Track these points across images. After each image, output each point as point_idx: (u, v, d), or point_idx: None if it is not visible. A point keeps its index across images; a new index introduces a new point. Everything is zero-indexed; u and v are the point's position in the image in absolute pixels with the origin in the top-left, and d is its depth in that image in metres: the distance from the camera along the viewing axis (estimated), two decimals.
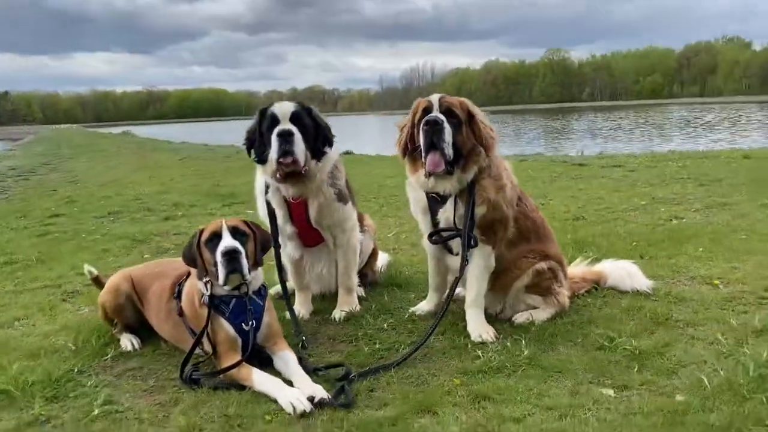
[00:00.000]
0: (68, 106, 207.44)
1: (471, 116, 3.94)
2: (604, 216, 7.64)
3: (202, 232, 3.59)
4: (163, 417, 3.13)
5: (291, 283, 4.66)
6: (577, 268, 4.85)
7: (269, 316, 3.71)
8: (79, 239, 7.91)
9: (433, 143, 3.78)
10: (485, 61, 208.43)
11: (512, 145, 28.22)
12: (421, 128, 3.82)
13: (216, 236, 3.52)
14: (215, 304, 3.57)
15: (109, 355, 3.92)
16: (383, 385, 3.38)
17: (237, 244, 3.46)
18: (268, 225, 4.30)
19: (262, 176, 4.36)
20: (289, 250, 4.52)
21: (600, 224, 7.13)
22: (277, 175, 4.12)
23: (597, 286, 4.78)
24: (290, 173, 4.10)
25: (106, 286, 4.20)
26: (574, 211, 8.03)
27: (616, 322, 4.09)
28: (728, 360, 3.42)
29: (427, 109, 3.90)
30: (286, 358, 3.58)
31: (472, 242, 3.94)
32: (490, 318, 4.22)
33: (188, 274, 3.87)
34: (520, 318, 4.17)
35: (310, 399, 3.13)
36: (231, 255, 3.42)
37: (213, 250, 3.49)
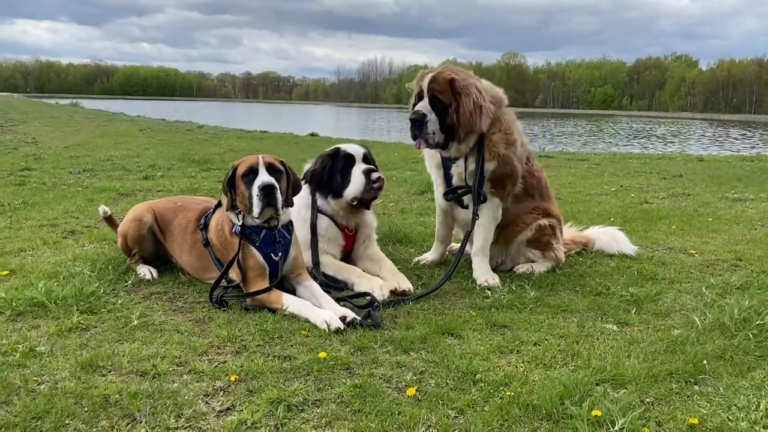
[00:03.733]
0: (8, 74, 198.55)
1: (456, 95, 4.09)
2: (578, 197, 8.07)
3: (238, 165, 3.73)
4: (200, 330, 3.28)
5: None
6: (567, 232, 5.19)
7: (295, 250, 3.89)
8: (60, 189, 7.84)
9: (416, 135, 4.16)
10: (443, 59, 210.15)
11: None
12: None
13: (252, 171, 3.67)
14: (246, 233, 3.73)
15: (129, 282, 4.03)
16: (404, 314, 3.62)
17: (273, 180, 3.62)
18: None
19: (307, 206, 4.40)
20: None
21: (577, 203, 7.54)
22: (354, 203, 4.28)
23: (585, 248, 5.14)
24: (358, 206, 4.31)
25: (128, 216, 4.29)
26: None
27: (608, 276, 4.44)
28: (714, 307, 3.78)
29: (420, 95, 4.19)
30: (312, 287, 3.78)
31: (482, 198, 4.20)
32: (492, 268, 4.51)
33: (215, 208, 4.01)
34: (521, 269, 4.47)
35: (342, 319, 3.34)
36: (267, 190, 3.59)
37: (249, 184, 3.64)
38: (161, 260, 4.31)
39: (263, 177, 3.63)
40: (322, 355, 2.91)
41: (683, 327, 3.49)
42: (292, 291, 3.81)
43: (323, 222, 4.34)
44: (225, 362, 2.89)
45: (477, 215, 4.25)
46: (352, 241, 4.47)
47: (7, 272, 4.10)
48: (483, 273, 4.26)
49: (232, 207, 3.75)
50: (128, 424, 2.32)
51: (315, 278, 4.04)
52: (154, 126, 23.61)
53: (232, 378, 2.69)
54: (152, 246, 4.25)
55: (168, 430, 2.30)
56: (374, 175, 4.17)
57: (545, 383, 2.71)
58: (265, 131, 22.31)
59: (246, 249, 3.73)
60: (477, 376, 2.79)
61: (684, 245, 5.45)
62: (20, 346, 2.94)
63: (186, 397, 2.52)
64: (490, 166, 4.21)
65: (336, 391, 2.62)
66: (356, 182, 4.20)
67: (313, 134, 21.42)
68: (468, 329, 3.38)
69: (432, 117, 4.09)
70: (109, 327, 3.25)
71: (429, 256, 4.72)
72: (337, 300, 3.73)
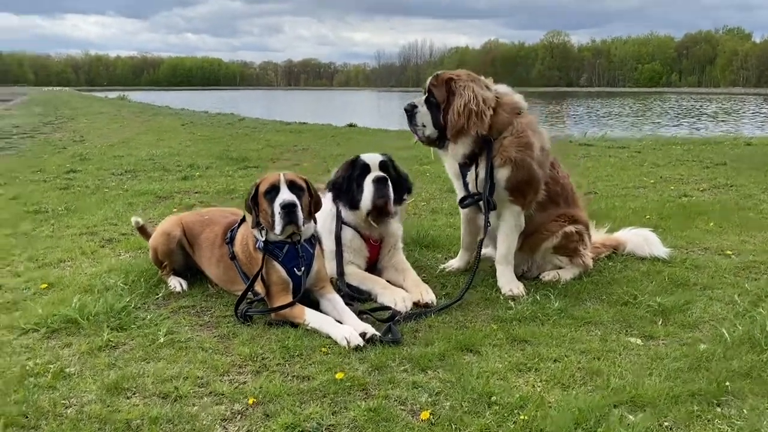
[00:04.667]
0: (60, 68, 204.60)
1: (450, 95, 4.17)
2: (615, 191, 7.91)
3: (260, 183, 3.79)
4: (224, 347, 3.36)
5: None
6: (597, 235, 5.10)
7: (318, 263, 3.94)
8: (102, 193, 8.08)
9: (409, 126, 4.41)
10: (485, 40, 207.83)
11: None
12: None
13: (274, 188, 3.72)
14: (270, 249, 3.79)
15: (160, 294, 4.15)
16: (425, 328, 3.63)
17: (294, 198, 3.68)
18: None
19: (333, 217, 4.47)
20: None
21: (612, 198, 7.39)
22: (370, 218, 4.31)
23: (615, 251, 5.05)
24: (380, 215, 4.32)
25: (158, 230, 4.41)
26: (585, 186, 8.26)
27: (637, 282, 4.36)
28: (745, 318, 3.68)
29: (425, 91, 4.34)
30: (334, 300, 3.82)
31: (492, 205, 4.18)
32: (518, 276, 4.48)
33: (240, 222, 4.08)
34: (548, 276, 4.43)
35: (362, 335, 3.38)
36: (289, 208, 3.65)
37: (271, 202, 3.70)
38: (191, 271, 4.43)
39: (284, 195, 3.68)
40: (339, 375, 2.96)
41: (711, 341, 3.41)
42: (317, 303, 3.87)
43: (347, 233, 4.38)
44: (245, 383, 2.96)
45: (488, 223, 4.24)
46: (378, 251, 4.49)
47: (46, 285, 4.28)
48: (507, 282, 4.24)
49: (257, 224, 3.81)
50: None
51: (339, 289, 4.09)
52: (197, 120, 24.01)
53: (251, 401, 2.76)
54: (182, 258, 4.37)
55: None
56: (379, 189, 4.19)
57: (561, 406, 2.70)
58: (303, 123, 22.41)
59: (269, 264, 3.80)
60: (493, 398, 2.79)
61: (721, 245, 5.30)
62: (52, 366, 3.07)
63: (204, 422, 2.61)
64: (503, 173, 4.18)
65: (350, 415, 2.66)
66: (367, 192, 4.22)
67: (351, 125, 21.46)
68: (488, 345, 3.38)
69: (423, 110, 4.28)
70: (137, 344, 3.36)
71: (454, 264, 4.71)
72: (360, 313, 3.77)
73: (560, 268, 4.50)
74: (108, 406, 2.71)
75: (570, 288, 4.24)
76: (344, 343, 3.33)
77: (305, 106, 56.06)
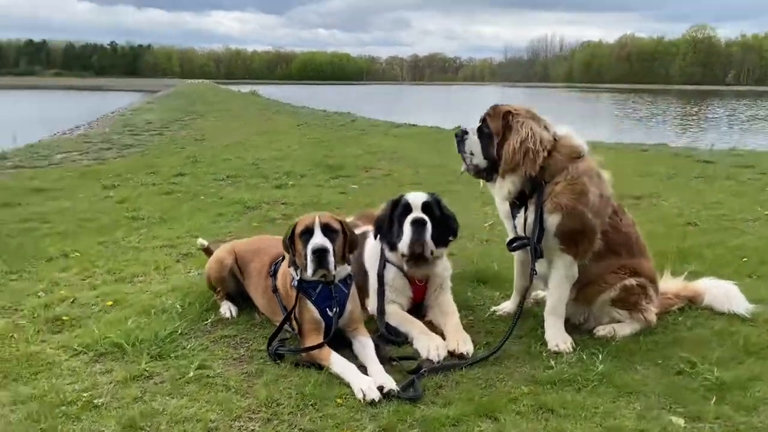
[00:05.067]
0: (203, 62, 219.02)
1: (507, 130, 4.00)
2: (718, 223, 7.24)
3: (297, 224, 3.83)
4: (247, 387, 3.43)
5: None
6: (673, 283, 4.70)
7: (352, 304, 3.93)
8: (197, 201, 8.55)
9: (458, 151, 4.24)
10: (620, 35, 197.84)
11: (635, 131, 26.74)
12: None
13: (308, 231, 3.76)
14: (303, 288, 3.83)
15: (209, 320, 4.31)
16: (451, 384, 3.51)
17: (326, 243, 3.70)
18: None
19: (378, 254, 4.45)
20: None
21: (712, 233, 6.77)
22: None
23: (692, 303, 4.62)
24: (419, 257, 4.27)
25: (212, 257, 4.59)
26: (687, 215, 7.65)
27: (703, 346, 3.96)
28: None
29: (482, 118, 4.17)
30: (365, 343, 3.79)
31: (539, 253, 3.96)
32: (573, 327, 4.23)
33: (284, 256, 4.15)
34: (602, 331, 4.13)
35: (380, 388, 3.32)
36: (319, 253, 3.68)
37: (305, 243, 3.74)
38: (243, 297, 4.56)
39: (317, 239, 3.70)
40: None
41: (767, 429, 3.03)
42: (351, 343, 3.87)
43: (390, 272, 4.33)
44: (253, 430, 3.01)
45: (534, 271, 4.02)
46: (423, 292, 4.41)
47: (111, 303, 4.57)
48: (554, 335, 4.00)
49: (293, 263, 3.86)
50: None
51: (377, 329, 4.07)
52: (312, 120, 24.74)
53: None
54: (234, 285, 4.51)
55: None
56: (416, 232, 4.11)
57: None
58: (413, 125, 22.48)
59: (302, 303, 3.84)
60: None
61: None
62: (85, 395, 3.27)
63: None
64: (554, 220, 3.94)
65: None
66: (405, 235, 4.14)
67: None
68: (511, 411, 3.20)
69: (473, 138, 4.13)
70: (169, 377, 3.50)
71: (507, 307, 4.53)
72: (390, 359, 3.73)
73: (619, 321, 4.18)
74: None
75: (623, 347, 3.93)
76: (360, 395, 3.29)
77: (425, 103, 56.34)
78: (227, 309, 4.44)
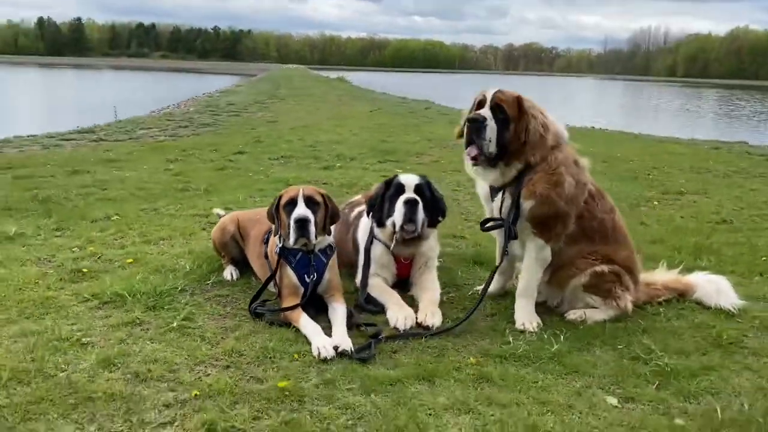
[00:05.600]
0: (299, 47, 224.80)
1: (522, 113, 4.01)
2: (755, 223, 6.98)
3: (282, 196, 4.13)
4: (220, 338, 3.78)
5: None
6: (663, 275, 4.68)
7: (330, 273, 4.20)
8: (245, 177, 9.06)
9: (472, 140, 4.03)
10: (732, 27, 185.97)
11: (714, 129, 25.28)
12: (465, 125, 4.07)
13: (292, 202, 4.06)
14: (285, 255, 4.14)
15: (210, 281, 4.70)
16: (407, 351, 3.72)
17: (308, 214, 3.98)
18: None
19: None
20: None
21: (743, 231, 6.56)
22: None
23: (682, 296, 4.58)
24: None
25: (217, 224, 4.99)
26: (725, 213, 7.41)
27: (674, 336, 3.97)
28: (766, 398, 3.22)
29: (482, 103, 4.07)
30: (337, 309, 4.06)
31: (512, 234, 4.07)
32: (548, 310, 4.33)
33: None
34: (572, 315, 4.21)
35: (335, 348, 3.59)
36: (301, 223, 3.97)
37: (288, 214, 4.04)
38: (246, 263, 4.92)
39: (299, 210, 3.99)
40: (282, 384, 3.21)
41: (697, 416, 3.08)
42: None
43: (377, 248, 4.56)
44: (208, 375, 3.34)
45: (506, 251, 4.18)
46: (408, 269, 4.61)
47: (131, 261, 5.05)
48: (523, 315, 4.12)
49: (278, 231, 4.18)
50: (87, 423, 2.90)
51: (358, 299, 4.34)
52: (385, 107, 25.07)
53: (194, 393, 3.13)
54: (237, 251, 4.88)
55: None
56: (408, 210, 4.27)
57: None
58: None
59: (283, 268, 4.15)
60: None
61: None
62: (78, 334, 3.71)
63: (146, 405, 3.02)
64: (527, 204, 4.05)
65: (265, 423, 2.91)
66: (397, 213, 4.34)
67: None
68: (450, 378, 3.38)
69: (491, 124, 3.99)
70: (155, 325, 3.91)
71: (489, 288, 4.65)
72: (357, 325, 3.98)
73: (593, 307, 4.24)
74: (89, 376, 3.25)
75: (589, 331, 4.00)
76: (316, 352, 3.56)
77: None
78: (229, 272, 4.82)
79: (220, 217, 5.44)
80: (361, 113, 21.34)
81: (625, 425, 2.99)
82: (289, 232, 4.04)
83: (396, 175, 4.57)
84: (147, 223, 6.24)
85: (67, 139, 13.68)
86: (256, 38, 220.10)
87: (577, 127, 19.68)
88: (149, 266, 4.91)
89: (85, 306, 4.17)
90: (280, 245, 4.16)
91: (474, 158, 4.07)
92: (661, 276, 4.67)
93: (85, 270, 4.78)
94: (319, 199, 4.12)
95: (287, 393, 3.16)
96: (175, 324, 3.91)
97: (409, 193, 4.41)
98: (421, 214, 4.38)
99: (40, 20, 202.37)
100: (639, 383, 3.39)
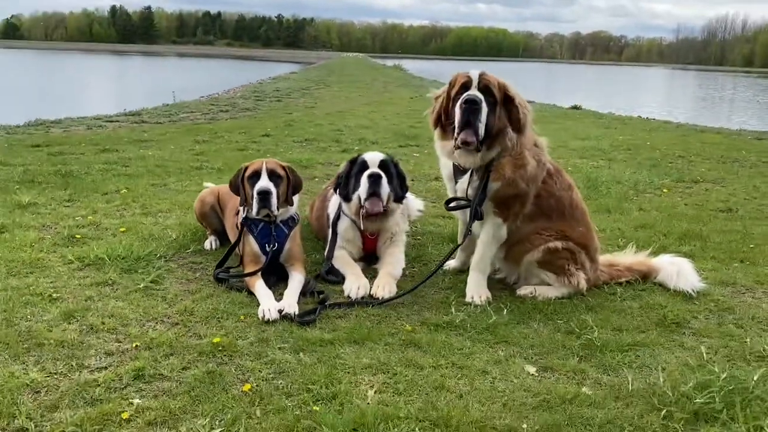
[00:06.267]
0: (361, 35, 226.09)
1: (508, 97, 4.05)
2: (761, 212, 6.80)
3: (246, 168, 4.36)
4: (179, 300, 4.05)
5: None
6: (628, 257, 4.69)
7: (291, 243, 4.42)
8: (262, 157, 9.33)
9: (469, 121, 3.95)
10: None
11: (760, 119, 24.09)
12: (458, 105, 3.97)
13: (256, 174, 4.28)
14: (248, 224, 4.38)
15: (190, 249, 4.99)
16: (350, 318, 3.89)
17: (270, 186, 4.21)
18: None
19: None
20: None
21: (743, 220, 6.39)
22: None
23: (646, 279, 4.58)
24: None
25: (198, 196, 5.26)
26: (733, 202, 7.22)
27: (619, 314, 4.01)
28: (683, 375, 3.24)
29: (466, 85, 4.04)
30: (293, 278, 4.27)
31: (478, 215, 4.15)
32: (506, 286, 4.43)
33: None
34: (523, 290, 4.29)
35: (280, 311, 3.80)
36: (263, 195, 4.19)
37: (252, 186, 4.27)
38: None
39: (262, 183, 4.22)
40: (216, 340, 3.45)
41: (605, 387, 3.15)
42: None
43: (344, 223, 4.74)
44: (155, 329, 3.61)
45: (470, 231, 4.25)
46: (375, 243, 4.78)
47: (124, 230, 5.39)
48: (473, 288, 4.23)
49: (243, 202, 4.41)
50: (33, 365, 3.21)
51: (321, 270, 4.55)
52: (426, 93, 25.02)
53: (134, 345, 3.40)
54: (216, 221, 5.14)
55: (50, 374, 3.11)
56: (372, 185, 4.43)
57: (360, 411, 2.85)
58: (529, 101, 22.03)
59: (246, 237, 4.39)
60: (313, 387, 3.05)
61: None
62: (51, 290, 4.06)
63: (89, 352, 3.31)
64: (493, 186, 4.13)
65: (190, 373, 3.15)
66: (362, 187, 4.50)
67: (575, 107, 20.62)
68: (379, 342, 3.55)
69: (484, 106, 3.90)
70: (123, 285, 4.21)
71: (451, 264, 4.76)
72: (311, 293, 4.18)
73: (547, 284, 4.30)
74: (48, 327, 3.57)
75: (534, 306, 4.07)
76: (261, 314, 3.79)
77: (571, 83, 54.20)
78: (210, 242, 5.10)
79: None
80: (401, 99, 21.46)
81: (531, 391, 3.08)
82: (252, 204, 4.27)
83: (360, 154, 4.73)
84: (152, 197, 6.59)
85: (112, 121, 14.35)
86: (319, 26, 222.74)
87: (615, 114, 19.31)
88: (138, 235, 5.24)
89: (67, 267, 4.52)
90: (244, 215, 4.39)
91: (466, 143, 3.95)
92: (626, 258, 4.68)
93: (78, 236, 5.15)
94: (281, 172, 4.33)
95: (221, 348, 3.39)
96: (141, 285, 4.20)
97: (373, 168, 4.56)
98: (385, 187, 4.53)
99: (113, 9, 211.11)
100: (564, 355, 3.47)
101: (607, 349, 3.51)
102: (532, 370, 3.31)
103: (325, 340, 3.53)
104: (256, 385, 3.06)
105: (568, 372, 3.30)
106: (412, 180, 8.02)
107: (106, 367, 3.19)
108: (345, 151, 10.17)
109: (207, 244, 5.08)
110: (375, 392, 3.04)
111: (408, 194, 5.09)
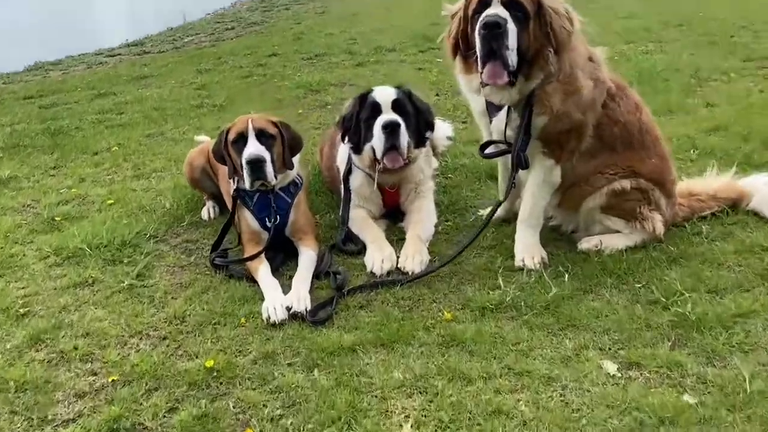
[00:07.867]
0: None
1: (540, 5, 3.07)
2: None
3: (228, 131, 3.53)
4: (170, 299, 3.36)
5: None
6: (710, 181, 3.80)
7: (296, 213, 3.65)
8: (268, 85, 8.41)
9: (493, 51, 3.03)
10: None
11: None
12: (477, 30, 3.04)
13: (242, 137, 3.45)
14: (241, 196, 3.60)
15: (185, 222, 4.27)
16: (374, 305, 3.17)
17: (261, 152, 3.39)
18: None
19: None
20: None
21: None
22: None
23: (735, 206, 3.70)
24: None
25: (186, 159, 4.46)
26: None
27: (708, 266, 3.19)
28: None
29: (484, 1, 3.07)
30: (304, 257, 3.53)
31: (522, 163, 3.27)
32: (562, 236, 3.62)
33: None
34: (585, 243, 3.47)
35: (288, 309, 3.09)
36: (254, 164, 3.38)
37: (239, 153, 3.46)
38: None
39: (251, 149, 3.40)
40: (209, 363, 2.76)
41: (717, 388, 2.38)
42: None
43: (357, 177, 3.92)
44: (139, 350, 2.95)
45: (514, 183, 3.39)
46: (397, 197, 3.96)
47: (112, 202, 4.67)
48: (524, 248, 3.42)
49: (233, 172, 3.61)
50: None
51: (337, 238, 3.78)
52: None
53: (111, 379, 2.74)
54: (212, 185, 4.35)
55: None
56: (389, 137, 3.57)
57: None
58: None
59: (240, 212, 3.64)
60: (332, 424, 2.38)
61: None
62: (20, 302, 3.39)
63: (57, 396, 2.67)
64: (539, 122, 3.23)
65: (176, 419, 2.49)
66: (376, 140, 3.65)
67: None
68: (414, 343, 2.83)
69: (512, 27, 3.01)
70: (104, 286, 3.52)
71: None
72: (326, 273, 3.44)
73: (615, 231, 3.46)
74: (11, 361, 2.92)
75: (603, 267, 3.26)
76: (265, 315, 3.08)
77: None
78: (207, 210, 4.35)
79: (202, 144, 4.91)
80: None
81: (616, 407, 2.35)
82: (242, 174, 3.47)
83: (368, 91, 3.82)
84: (145, 153, 5.82)
85: (114, 55, 13.39)
86: None
87: None
88: (127, 208, 4.53)
89: (43, 263, 3.85)
90: (235, 186, 3.60)
91: (494, 79, 3.07)
92: (707, 182, 3.78)
93: (59, 218, 4.45)
94: (272, 130, 3.49)
95: (215, 374, 2.72)
96: (126, 283, 3.52)
97: (387, 114, 3.67)
98: (404, 137, 3.66)
99: None
100: (651, 340, 2.71)
101: (705, 326, 2.73)
102: (612, 368, 2.56)
103: (345, 347, 2.82)
104: (260, 430, 2.40)
105: (660, 368, 2.54)
106: (437, 95, 7.04)
107: (74, 419, 2.56)
108: (359, 65, 9.16)
109: (204, 213, 4.34)
110: (411, 426, 2.35)
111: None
